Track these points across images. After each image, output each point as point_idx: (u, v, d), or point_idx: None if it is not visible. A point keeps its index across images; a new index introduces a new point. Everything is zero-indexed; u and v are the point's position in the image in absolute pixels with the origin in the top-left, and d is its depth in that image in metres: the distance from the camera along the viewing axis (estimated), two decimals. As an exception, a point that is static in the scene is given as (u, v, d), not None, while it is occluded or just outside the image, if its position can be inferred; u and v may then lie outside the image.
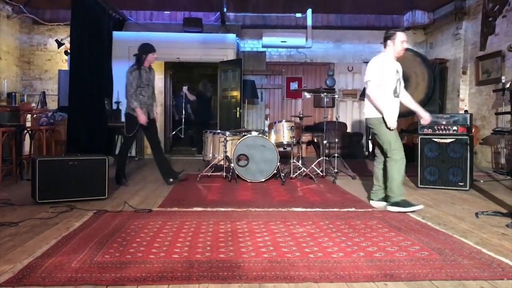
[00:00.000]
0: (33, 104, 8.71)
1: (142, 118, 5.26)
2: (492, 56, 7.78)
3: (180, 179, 5.64)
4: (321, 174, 6.25)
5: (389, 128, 4.08)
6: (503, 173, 6.70)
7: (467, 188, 5.14)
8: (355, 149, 9.66)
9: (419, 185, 5.40)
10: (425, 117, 4.42)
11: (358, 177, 6.38)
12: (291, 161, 6.14)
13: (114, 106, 8.94)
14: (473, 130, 7.59)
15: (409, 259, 2.60)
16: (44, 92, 8.67)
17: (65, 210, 3.85)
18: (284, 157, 6.87)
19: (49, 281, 2.19)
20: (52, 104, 9.15)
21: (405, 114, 9.89)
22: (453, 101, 9.07)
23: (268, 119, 10.32)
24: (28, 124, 6.89)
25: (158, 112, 10.13)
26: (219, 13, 9.49)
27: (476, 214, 3.82)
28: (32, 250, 2.70)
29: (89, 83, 7.81)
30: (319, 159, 6.54)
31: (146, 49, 5.50)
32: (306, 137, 9.50)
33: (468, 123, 5.21)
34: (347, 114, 10.43)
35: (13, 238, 2.97)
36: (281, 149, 6.26)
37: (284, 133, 6.17)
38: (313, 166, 6.30)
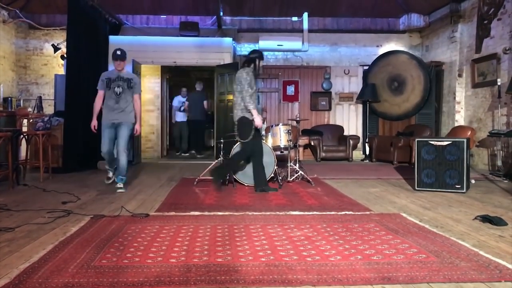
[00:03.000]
0: (29, 109, 8.70)
1: (259, 121, 5.15)
2: (488, 59, 7.82)
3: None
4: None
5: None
6: (500, 175, 6.73)
7: (464, 191, 5.16)
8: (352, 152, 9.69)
9: (416, 187, 5.42)
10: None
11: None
12: (289, 165, 6.14)
13: (111, 111, 8.92)
14: (469, 132, 7.65)
15: (406, 261, 2.60)
16: (40, 97, 8.64)
17: (62, 215, 3.84)
18: (281, 161, 6.86)
19: (46, 287, 2.18)
20: (49, 109, 9.13)
21: (401, 117, 9.98)
22: (449, 103, 9.11)
23: (265, 122, 10.30)
24: (25, 129, 6.87)
25: (155, 116, 10.25)
26: (215, 17, 9.51)
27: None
28: (28, 255, 2.68)
29: (86, 88, 7.81)
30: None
31: (260, 54, 5.49)
32: (303, 140, 9.51)
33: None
34: (344, 117, 10.45)
35: (10, 243, 2.96)
36: (278, 152, 6.24)
37: (281, 137, 6.17)
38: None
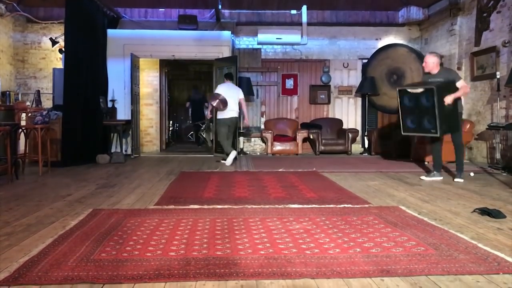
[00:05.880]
0: (28, 103, 8.68)
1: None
2: (487, 52, 7.80)
3: None
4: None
5: None
6: (498, 168, 6.74)
7: (438, 135, 5.43)
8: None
9: (402, 133, 5.91)
10: None
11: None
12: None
13: (110, 104, 8.92)
14: (468, 125, 7.65)
15: (405, 254, 2.61)
16: (38, 91, 8.63)
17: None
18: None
19: (46, 280, 2.19)
20: (47, 103, 9.11)
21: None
22: (448, 96, 9.09)
23: (264, 116, 10.32)
24: (23, 123, 6.86)
25: (154, 109, 10.24)
26: (214, 10, 9.46)
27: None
28: (28, 249, 2.69)
29: (84, 81, 7.80)
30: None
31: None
32: (302, 133, 9.51)
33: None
34: (343, 110, 10.44)
35: (9, 237, 2.96)
36: None
37: None
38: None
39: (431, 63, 5.69)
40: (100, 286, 2.14)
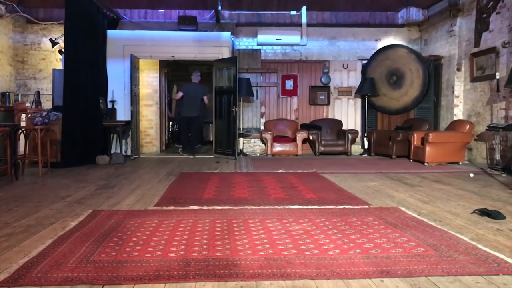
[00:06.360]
0: (28, 104, 8.68)
1: None
2: (487, 53, 7.81)
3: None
4: None
5: None
6: (498, 169, 6.74)
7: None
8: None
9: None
10: None
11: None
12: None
13: (109, 105, 8.92)
14: (468, 126, 7.66)
15: (405, 255, 2.61)
16: (38, 92, 8.63)
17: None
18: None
19: (45, 281, 2.19)
20: (47, 104, 9.11)
21: (400, 111, 9.97)
22: (448, 97, 9.11)
23: (264, 117, 10.32)
24: (23, 124, 6.86)
25: (153, 110, 10.24)
26: (213, 11, 9.47)
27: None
28: (28, 250, 2.69)
29: (84, 82, 7.80)
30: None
31: None
32: (301, 134, 9.51)
33: None
34: (343, 111, 10.44)
35: (9, 238, 2.96)
36: None
37: None
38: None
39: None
40: (100, 287, 2.14)
